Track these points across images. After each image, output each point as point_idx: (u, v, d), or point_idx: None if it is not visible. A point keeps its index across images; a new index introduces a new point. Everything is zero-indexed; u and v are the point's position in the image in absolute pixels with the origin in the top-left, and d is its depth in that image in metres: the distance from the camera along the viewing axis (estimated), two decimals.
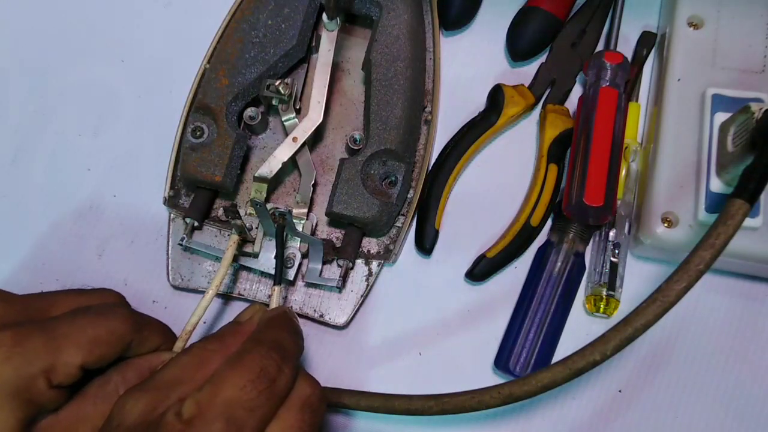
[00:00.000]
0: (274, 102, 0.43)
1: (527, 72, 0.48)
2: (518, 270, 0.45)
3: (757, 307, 0.44)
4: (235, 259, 0.41)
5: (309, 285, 0.43)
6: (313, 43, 0.46)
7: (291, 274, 0.42)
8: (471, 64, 0.49)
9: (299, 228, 0.42)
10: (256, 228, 0.41)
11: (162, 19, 0.50)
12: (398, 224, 0.44)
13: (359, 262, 0.43)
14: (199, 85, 0.44)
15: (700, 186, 0.41)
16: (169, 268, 0.43)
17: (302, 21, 0.43)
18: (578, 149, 0.43)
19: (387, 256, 0.43)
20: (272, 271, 0.40)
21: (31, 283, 0.44)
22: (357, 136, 0.42)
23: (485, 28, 0.49)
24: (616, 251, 0.43)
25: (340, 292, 0.43)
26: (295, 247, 0.42)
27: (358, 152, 0.42)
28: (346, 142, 0.43)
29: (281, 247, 0.39)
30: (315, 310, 0.43)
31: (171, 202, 0.43)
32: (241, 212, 0.41)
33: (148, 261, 0.44)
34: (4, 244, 0.45)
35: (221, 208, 0.44)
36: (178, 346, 0.37)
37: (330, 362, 0.43)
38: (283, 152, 0.41)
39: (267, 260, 0.42)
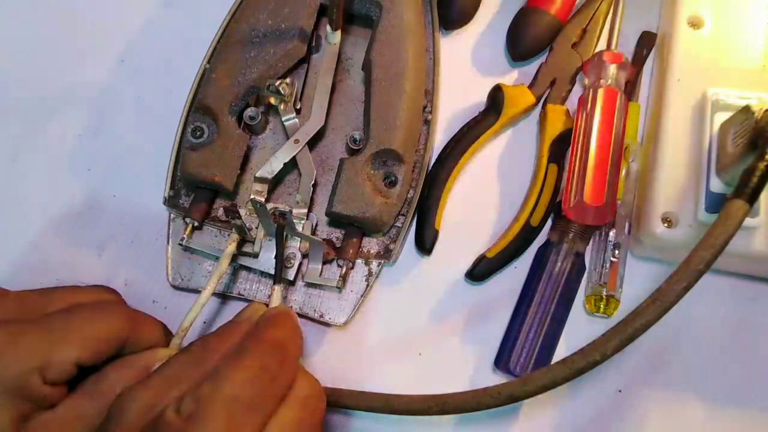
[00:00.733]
0: (274, 102, 0.43)
1: (527, 72, 0.48)
2: (518, 270, 0.45)
3: (757, 307, 0.44)
4: (235, 258, 0.41)
5: (309, 285, 0.43)
6: (313, 43, 0.46)
7: (291, 274, 0.42)
8: (471, 64, 0.49)
9: (299, 228, 0.42)
10: (256, 228, 0.41)
11: (162, 19, 0.50)
12: (398, 224, 0.44)
13: (359, 262, 0.43)
14: (199, 85, 0.44)
15: (700, 186, 0.41)
16: (169, 268, 0.43)
17: (302, 21, 0.44)
18: (578, 149, 0.43)
19: (387, 256, 0.43)
20: (272, 271, 0.40)
21: (31, 282, 0.44)
22: (357, 136, 0.42)
23: (485, 28, 0.50)
24: (616, 251, 0.43)
25: (340, 292, 0.43)
26: (295, 247, 0.42)
27: (358, 152, 0.42)
28: (346, 142, 0.43)
29: (281, 246, 0.39)
30: (315, 310, 0.43)
31: (171, 202, 0.43)
32: (241, 212, 0.41)
33: (148, 261, 0.44)
34: (4, 244, 0.45)
35: (221, 208, 0.44)
36: (174, 343, 0.37)
37: (330, 362, 0.43)
38: (284, 153, 0.41)
39: (267, 260, 0.42)
